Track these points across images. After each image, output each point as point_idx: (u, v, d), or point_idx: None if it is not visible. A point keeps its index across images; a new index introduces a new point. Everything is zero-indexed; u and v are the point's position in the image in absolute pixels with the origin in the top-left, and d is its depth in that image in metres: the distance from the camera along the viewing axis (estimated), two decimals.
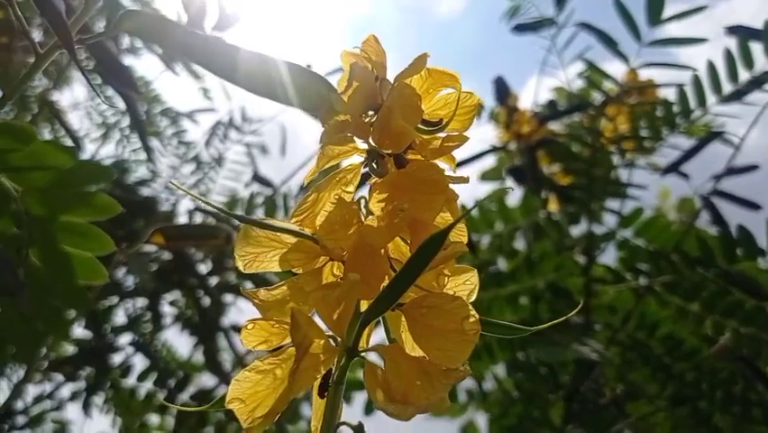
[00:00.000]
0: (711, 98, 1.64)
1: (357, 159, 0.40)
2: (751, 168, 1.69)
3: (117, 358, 1.46)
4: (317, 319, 0.34)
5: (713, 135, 1.70)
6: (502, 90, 1.88)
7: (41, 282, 0.70)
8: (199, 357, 1.64)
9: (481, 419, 1.90)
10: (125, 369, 1.39)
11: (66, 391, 1.52)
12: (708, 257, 1.49)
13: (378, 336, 0.41)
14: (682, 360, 1.67)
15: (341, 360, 0.34)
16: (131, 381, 1.44)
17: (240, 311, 1.59)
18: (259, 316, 0.35)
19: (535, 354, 1.50)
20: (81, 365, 1.31)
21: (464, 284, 0.37)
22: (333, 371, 0.34)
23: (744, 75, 1.59)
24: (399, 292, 0.32)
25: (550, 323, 0.44)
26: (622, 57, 1.66)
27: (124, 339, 1.45)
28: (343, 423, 0.34)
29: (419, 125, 0.40)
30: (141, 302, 1.49)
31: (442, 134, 0.40)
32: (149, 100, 1.72)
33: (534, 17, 1.86)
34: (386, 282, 0.34)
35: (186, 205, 1.76)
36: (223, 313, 1.50)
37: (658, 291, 1.63)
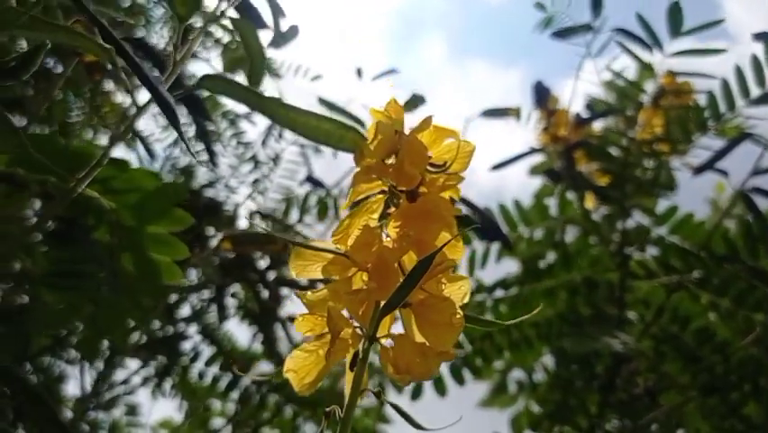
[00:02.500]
0: (740, 102, 1.72)
1: (380, 193, 0.53)
2: None
3: (186, 346, 1.63)
4: (348, 314, 0.47)
5: (743, 136, 1.77)
6: (541, 95, 1.98)
7: (130, 282, 0.85)
8: (258, 346, 1.79)
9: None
10: (194, 355, 1.56)
11: (137, 377, 1.70)
12: (733, 254, 1.57)
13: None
14: (714, 352, 1.75)
15: (364, 344, 0.47)
16: (198, 366, 1.61)
17: (294, 303, 1.74)
18: (307, 311, 0.49)
19: (568, 345, 1.60)
20: (155, 352, 1.47)
21: (459, 289, 0.50)
22: (360, 352, 0.47)
23: None
24: (404, 295, 0.44)
25: (517, 319, 0.56)
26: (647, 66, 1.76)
27: (192, 329, 1.61)
28: (366, 389, 0.47)
29: (427, 168, 0.52)
30: (207, 294, 1.64)
31: (446, 173, 0.53)
32: (211, 105, 1.88)
33: (570, 24, 1.96)
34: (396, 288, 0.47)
35: (244, 203, 1.92)
36: (280, 305, 1.65)
37: (689, 287, 1.71)
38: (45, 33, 0.55)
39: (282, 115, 0.56)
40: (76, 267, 0.82)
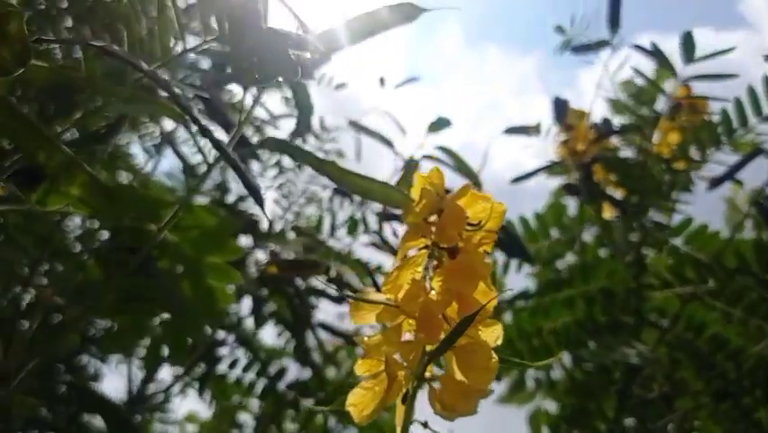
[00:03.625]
0: (753, 119, 1.79)
1: (424, 248, 0.62)
2: None
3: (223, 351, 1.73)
4: (399, 358, 0.56)
5: (757, 152, 1.84)
6: (560, 110, 2.06)
7: (190, 306, 0.95)
8: (289, 348, 1.89)
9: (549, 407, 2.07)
10: (232, 362, 1.66)
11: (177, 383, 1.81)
12: (744, 266, 1.65)
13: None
14: (727, 359, 1.83)
15: (414, 383, 0.56)
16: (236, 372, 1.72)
17: (325, 312, 1.83)
18: (366, 354, 0.58)
19: (586, 355, 1.69)
20: (198, 359, 1.58)
21: (492, 332, 0.59)
22: (410, 390, 0.56)
23: None
24: (450, 345, 0.54)
25: (539, 364, 0.64)
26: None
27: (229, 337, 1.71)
28: (415, 420, 0.56)
29: (466, 227, 0.61)
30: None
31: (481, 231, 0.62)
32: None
33: (589, 41, 2.04)
34: (442, 335, 0.56)
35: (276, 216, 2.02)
36: (311, 313, 1.74)
37: (702, 298, 1.79)
38: (142, 106, 0.64)
39: (338, 176, 0.65)
40: (143, 293, 0.92)
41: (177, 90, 0.61)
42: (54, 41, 0.60)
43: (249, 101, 0.70)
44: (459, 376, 0.55)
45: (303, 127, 0.81)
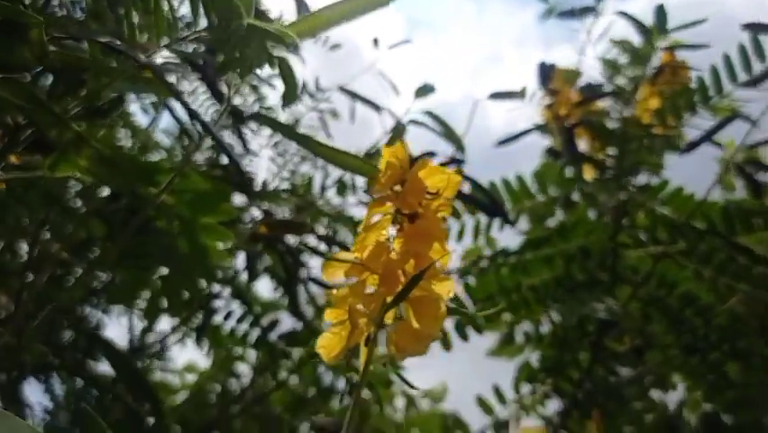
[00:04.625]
0: (728, 86, 1.87)
1: (388, 215, 0.71)
2: None
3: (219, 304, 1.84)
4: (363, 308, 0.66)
5: (731, 117, 1.92)
6: (545, 75, 2.13)
7: (185, 262, 1.04)
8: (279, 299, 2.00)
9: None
10: (227, 314, 1.77)
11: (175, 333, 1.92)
12: (713, 228, 1.75)
13: None
14: (697, 315, 1.93)
15: (374, 329, 0.66)
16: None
17: (317, 267, 1.93)
18: (334, 304, 0.68)
19: (559, 309, 1.79)
20: (194, 311, 1.68)
21: (445, 286, 0.68)
22: (371, 334, 0.66)
23: (756, 66, 1.82)
24: (405, 297, 0.63)
25: (485, 312, 0.74)
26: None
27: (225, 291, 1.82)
28: (377, 359, 0.66)
29: (425, 195, 0.70)
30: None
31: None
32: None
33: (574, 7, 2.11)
34: (399, 289, 0.65)
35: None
36: (303, 269, 1.84)
37: (674, 257, 1.89)
38: (139, 86, 0.72)
39: (318, 150, 0.73)
40: (142, 250, 1.01)
41: (168, 73, 0.69)
42: (65, 38, 0.68)
43: (236, 80, 0.78)
44: (414, 324, 0.65)
45: (288, 101, 0.89)
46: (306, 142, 0.73)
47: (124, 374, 0.93)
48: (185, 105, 0.66)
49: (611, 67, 2.13)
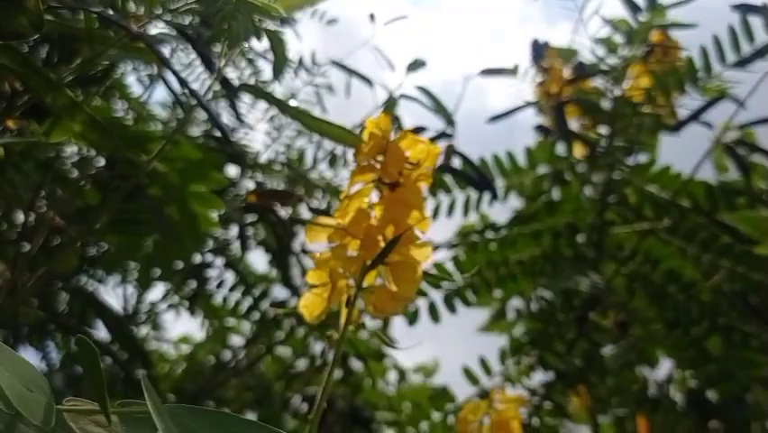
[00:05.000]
0: (717, 66, 1.89)
1: (370, 183, 0.74)
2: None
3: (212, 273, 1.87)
4: (344, 270, 0.69)
5: (719, 97, 1.94)
6: (537, 53, 2.14)
7: (176, 229, 1.07)
8: (273, 273, 2.03)
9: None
10: (219, 282, 1.81)
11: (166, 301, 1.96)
12: (697, 206, 1.79)
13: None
14: (680, 291, 1.97)
15: (354, 291, 0.69)
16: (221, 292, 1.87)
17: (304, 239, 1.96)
18: (317, 266, 0.71)
19: (543, 283, 1.83)
20: (186, 279, 1.72)
21: (422, 253, 0.71)
22: (351, 296, 0.69)
23: (745, 47, 1.84)
24: (382, 259, 0.66)
25: (467, 274, 0.77)
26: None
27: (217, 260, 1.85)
28: (356, 320, 0.69)
29: (406, 165, 0.73)
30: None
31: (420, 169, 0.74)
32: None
33: None
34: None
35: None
36: (293, 240, 1.87)
37: (659, 234, 1.93)
38: (131, 54, 0.75)
39: (306, 121, 0.76)
40: (134, 216, 1.04)
41: (160, 43, 0.71)
42: (61, 7, 0.71)
43: (228, 52, 0.81)
44: (392, 286, 0.68)
45: (277, 73, 0.91)
46: (293, 112, 0.75)
47: (117, 335, 0.97)
48: (175, 73, 0.68)
49: (604, 45, 2.16)
